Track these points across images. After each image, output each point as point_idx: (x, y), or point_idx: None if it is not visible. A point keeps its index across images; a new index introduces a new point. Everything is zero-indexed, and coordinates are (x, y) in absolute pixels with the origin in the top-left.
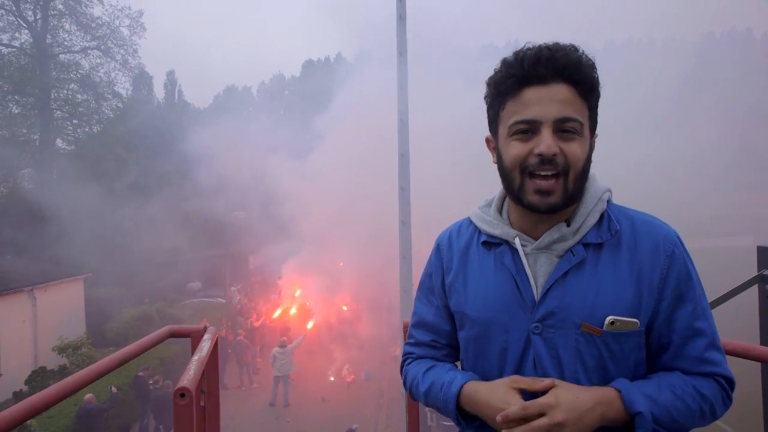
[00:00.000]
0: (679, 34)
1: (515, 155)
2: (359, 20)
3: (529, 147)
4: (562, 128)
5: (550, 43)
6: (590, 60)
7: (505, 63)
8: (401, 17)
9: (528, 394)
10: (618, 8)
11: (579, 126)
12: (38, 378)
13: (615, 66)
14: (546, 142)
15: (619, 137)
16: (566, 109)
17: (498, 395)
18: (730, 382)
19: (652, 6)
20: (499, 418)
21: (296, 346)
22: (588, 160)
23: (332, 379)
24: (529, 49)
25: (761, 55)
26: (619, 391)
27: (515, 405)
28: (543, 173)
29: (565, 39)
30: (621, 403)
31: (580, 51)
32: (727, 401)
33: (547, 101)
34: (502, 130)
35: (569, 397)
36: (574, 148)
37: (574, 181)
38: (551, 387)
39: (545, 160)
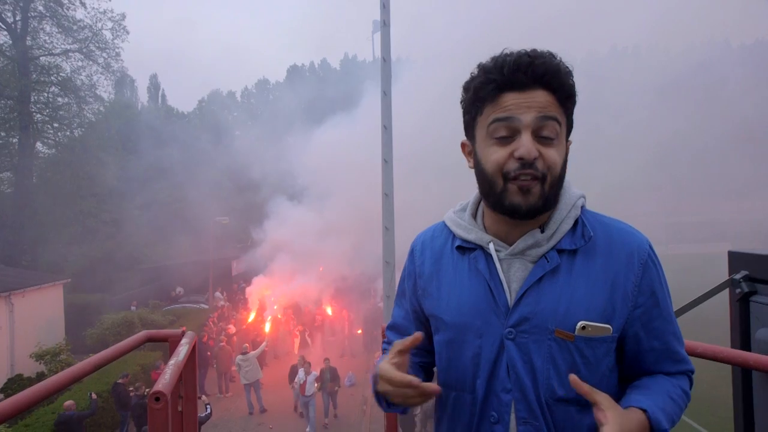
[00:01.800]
0: (662, 44)
1: (496, 160)
2: (344, 26)
3: (508, 151)
4: (541, 133)
5: (529, 50)
6: (568, 68)
7: (483, 68)
8: (385, 23)
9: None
10: (598, 19)
11: (557, 129)
12: (15, 386)
13: (597, 75)
14: (526, 146)
15: (596, 144)
16: (545, 110)
17: (382, 365)
18: (693, 372)
19: (627, 17)
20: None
21: (259, 353)
22: (564, 166)
23: (316, 385)
24: (508, 54)
25: (737, 65)
26: (645, 411)
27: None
28: (523, 177)
29: (545, 46)
30: (648, 422)
31: (558, 58)
32: (691, 388)
33: (525, 106)
34: (480, 133)
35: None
36: (552, 154)
37: (551, 185)
38: (418, 340)
39: (526, 164)
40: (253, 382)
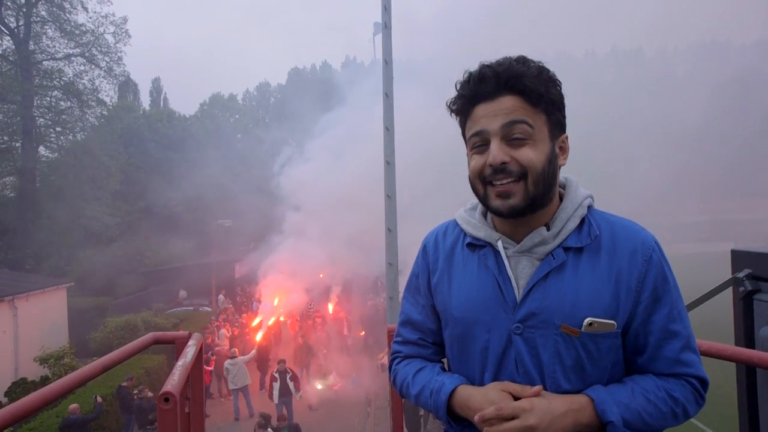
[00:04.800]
0: (670, 45)
1: (473, 168)
2: (345, 29)
3: (484, 159)
4: (511, 135)
5: (494, 61)
6: (537, 70)
7: (457, 85)
8: (387, 26)
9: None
10: (600, 18)
11: (528, 130)
12: (19, 389)
13: (597, 76)
14: (493, 153)
15: (604, 145)
16: (511, 115)
17: (491, 399)
18: (703, 383)
19: (628, 18)
20: (476, 417)
21: (248, 359)
22: (550, 163)
23: (319, 387)
24: (481, 67)
25: (739, 65)
26: (592, 399)
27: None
28: (497, 182)
29: (545, 48)
30: (593, 411)
31: (527, 62)
32: (700, 401)
33: (493, 114)
34: (467, 145)
35: (543, 403)
36: (526, 153)
37: (534, 183)
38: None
39: (497, 169)
40: (242, 388)
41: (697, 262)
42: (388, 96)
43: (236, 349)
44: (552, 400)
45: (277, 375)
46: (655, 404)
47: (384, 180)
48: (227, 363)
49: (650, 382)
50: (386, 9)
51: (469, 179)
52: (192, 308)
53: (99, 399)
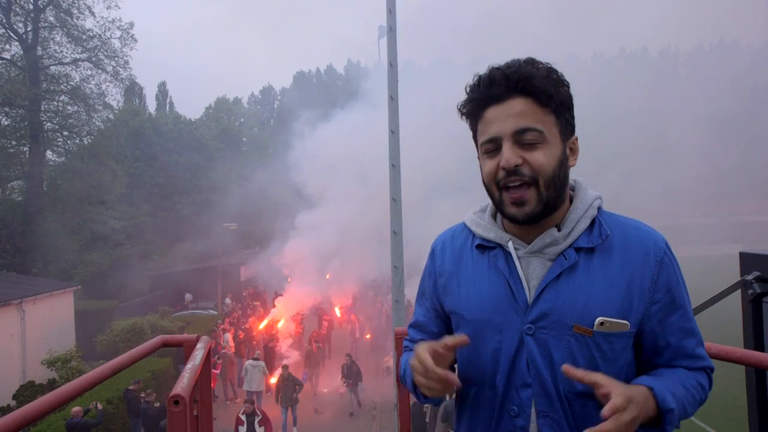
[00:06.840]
0: (674, 45)
1: (487, 172)
2: (350, 32)
3: (496, 162)
4: (522, 140)
5: (504, 63)
6: (547, 71)
7: (467, 88)
8: (391, 29)
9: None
10: (608, 20)
11: (539, 135)
12: (27, 392)
13: (606, 78)
14: (505, 156)
15: (611, 146)
16: (522, 120)
17: (421, 352)
18: (713, 369)
19: (635, 19)
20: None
21: (267, 373)
22: (561, 165)
23: (325, 390)
24: (491, 70)
25: (747, 65)
26: (651, 389)
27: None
28: (512, 185)
29: (552, 50)
30: (654, 400)
31: (536, 64)
32: (711, 386)
33: (504, 117)
34: (479, 150)
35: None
36: (538, 157)
37: (546, 187)
38: (464, 343)
39: (510, 172)
40: (256, 392)
41: (708, 265)
42: (393, 99)
43: (260, 352)
44: (633, 391)
45: (243, 417)
46: (691, 393)
47: (389, 183)
48: (248, 363)
49: (681, 373)
50: (391, 12)
51: (484, 183)
52: (198, 311)
53: (99, 406)
